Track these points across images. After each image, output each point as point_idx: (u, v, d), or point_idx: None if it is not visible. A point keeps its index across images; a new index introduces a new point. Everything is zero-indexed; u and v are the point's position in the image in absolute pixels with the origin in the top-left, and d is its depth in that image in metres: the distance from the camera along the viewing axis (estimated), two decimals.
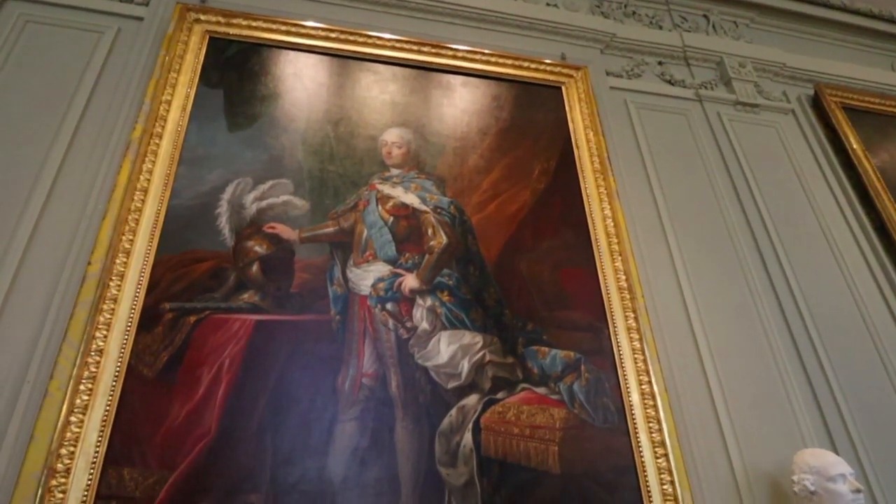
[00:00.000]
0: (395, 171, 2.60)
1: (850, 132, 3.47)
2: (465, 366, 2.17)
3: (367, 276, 2.29)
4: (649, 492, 2.05)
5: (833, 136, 3.50)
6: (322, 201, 2.42)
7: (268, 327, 2.08)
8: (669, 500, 2.05)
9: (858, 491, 1.95)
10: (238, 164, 2.41)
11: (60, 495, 1.65)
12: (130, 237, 2.10)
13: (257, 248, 2.25)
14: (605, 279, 2.50)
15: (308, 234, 2.33)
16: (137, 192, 2.20)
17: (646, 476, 2.08)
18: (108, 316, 1.94)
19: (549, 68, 3.13)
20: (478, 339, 2.24)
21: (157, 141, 2.34)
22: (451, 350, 2.19)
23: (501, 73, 3.06)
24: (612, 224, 2.65)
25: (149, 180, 2.24)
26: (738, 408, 2.36)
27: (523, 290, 2.42)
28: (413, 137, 2.71)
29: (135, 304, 1.99)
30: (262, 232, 2.29)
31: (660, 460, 2.12)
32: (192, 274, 2.13)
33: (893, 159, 3.55)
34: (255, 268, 2.20)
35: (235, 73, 2.66)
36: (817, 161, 3.40)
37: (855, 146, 3.41)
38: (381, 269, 2.32)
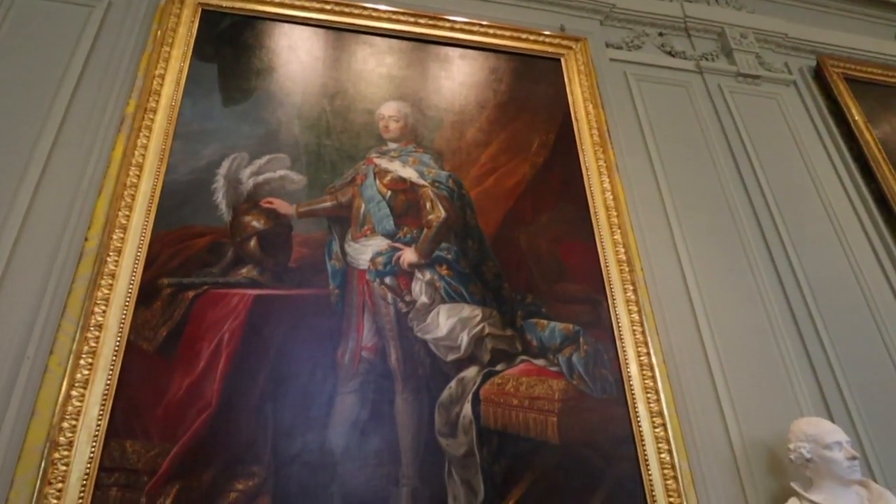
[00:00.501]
0: (392, 146, 2.58)
1: (851, 103, 3.44)
2: (464, 338, 2.18)
3: (365, 251, 2.29)
4: (647, 461, 2.07)
5: (835, 108, 3.47)
6: (319, 176, 2.41)
7: (266, 302, 2.08)
8: (667, 469, 2.07)
9: (854, 458, 1.97)
10: (234, 139, 2.39)
11: (64, 467, 1.67)
12: (127, 213, 2.10)
13: (255, 223, 2.24)
14: (604, 252, 2.50)
15: (306, 209, 2.32)
16: (132, 168, 2.19)
17: (644, 446, 2.10)
18: (107, 291, 1.95)
19: (547, 40, 3.10)
20: (477, 313, 2.25)
21: (151, 116, 2.32)
22: (450, 323, 2.20)
23: (500, 45, 3.03)
24: (611, 197, 2.64)
25: (144, 155, 2.23)
26: (735, 378, 2.37)
27: (522, 264, 2.42)
28: (410, 111, 2.69)
29: (133, 280, 2.00)
30: (260, 207, 2.28)
31: (658, 430, 2.14)
32: (190, 249, 2.13)
33: (895, 131, 3.53)
34: (252, 243, 2.20)
35: (229, 46, 2.63)
36: (818, 133, 3.37)
37: (857, 117, 3.38)
38: (379, 243, 2.32)
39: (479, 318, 2.24)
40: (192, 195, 2.24)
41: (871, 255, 2.94)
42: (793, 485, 2.02)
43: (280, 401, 1.91)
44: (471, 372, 2.12)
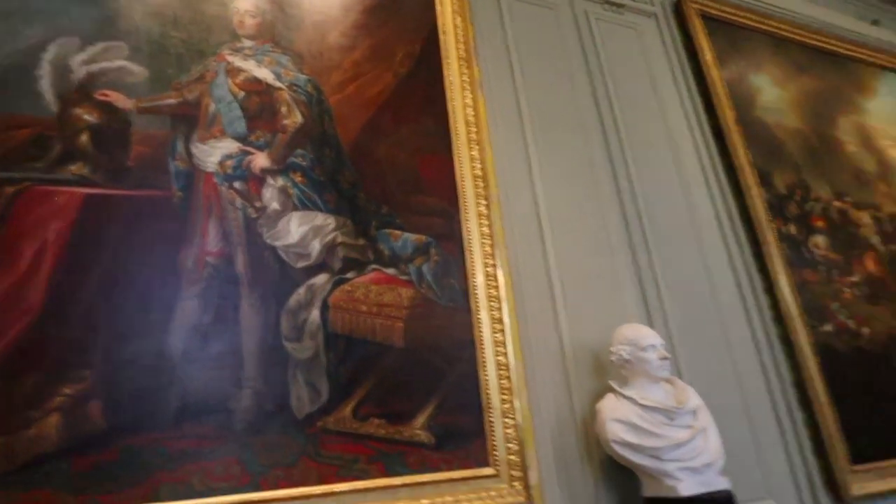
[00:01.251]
0: (247, 43, 2.43)
1: (704, 41, 3.62)
2: (315, 246, 2.19)
3: (213, 153, 2.19)
4: (484, 362, 2.24)
5: (689, 44, 3.64)
6: (163, 70, 2.23)
7: (100, 202, 1.95)
8: (503, 370, 2.25)
9: (665, 358, 2.25)
10: (62, 21, 2.14)
11: None
12: None
13: (87, 117, 2.06)
14: (460, 167, 2.56)
15: (147, 105, 2.16)
16: None
17: (483, 348, 2.26)
18: None
19: None
20: (330, 221, 2.25)
21: None
22: (301, 231, 2.19)
23: None
24: (472, 113, 2.67)
25: None
26: (572, 291, 2.57)
27: (379, 175, 2.43)
28: (269, 7, 2.52)
29: None
30: (93, 99, 2.08)
31: (497, 335, 2.30)
32: (10, 142, 1.93)
33: (740, 70, 3.80)
34: (84, 137, 2.03)
35: None
36: (671, 66, 3.54)
37: (707, 55, 3.58)
38: (229, 145, 2.22)
39: (332, 227, 2.25)
40: (12, 81, 1.99)
41: (703, 182, 3.22)
42: (610, 382, 2.29)
43: (114, 304, 1.84)
44: (321, 279, 2.15)
